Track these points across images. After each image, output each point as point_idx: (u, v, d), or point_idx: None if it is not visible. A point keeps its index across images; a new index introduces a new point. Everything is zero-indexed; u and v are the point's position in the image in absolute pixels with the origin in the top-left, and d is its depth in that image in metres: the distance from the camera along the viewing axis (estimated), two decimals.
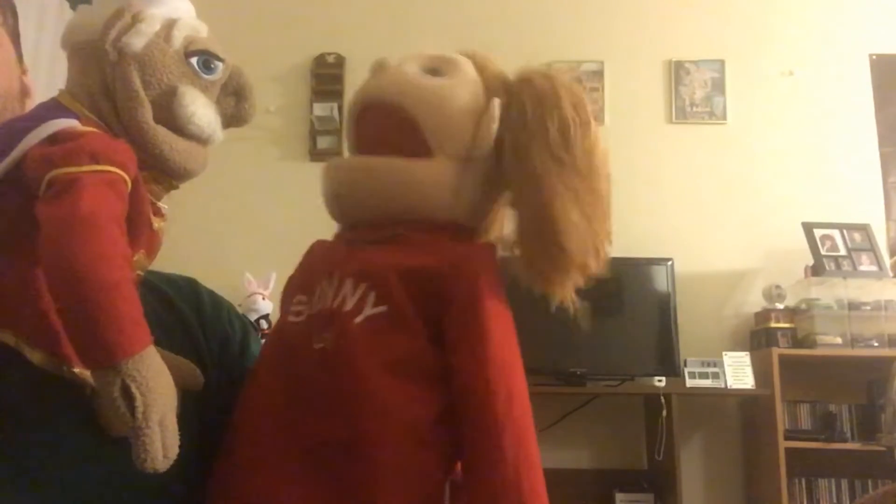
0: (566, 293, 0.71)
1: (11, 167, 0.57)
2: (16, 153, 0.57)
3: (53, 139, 0.58)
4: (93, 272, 0.53)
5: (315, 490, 0.63)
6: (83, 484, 0.62)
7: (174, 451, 0.55)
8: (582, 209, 0.70)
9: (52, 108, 0.62)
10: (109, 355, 0.53)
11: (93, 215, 0.54)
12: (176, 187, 0.67)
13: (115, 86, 0.62)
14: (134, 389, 0.53)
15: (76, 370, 0.60)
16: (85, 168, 0.56)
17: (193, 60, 0.65)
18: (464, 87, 0.74)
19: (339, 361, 0.66)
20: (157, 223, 0.65)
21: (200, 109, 0.64)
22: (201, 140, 0.66)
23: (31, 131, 0.58)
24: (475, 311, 0.66)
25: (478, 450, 0.64)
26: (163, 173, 0.65)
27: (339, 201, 0.75)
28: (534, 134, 0.71)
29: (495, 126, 0.73)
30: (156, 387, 0.54)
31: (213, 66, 0.66)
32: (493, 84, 0.75)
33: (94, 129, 0.61)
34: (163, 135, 0.63)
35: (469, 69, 0.76)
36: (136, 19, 0.62)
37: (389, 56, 0.78)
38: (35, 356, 0.59)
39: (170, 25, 0.64)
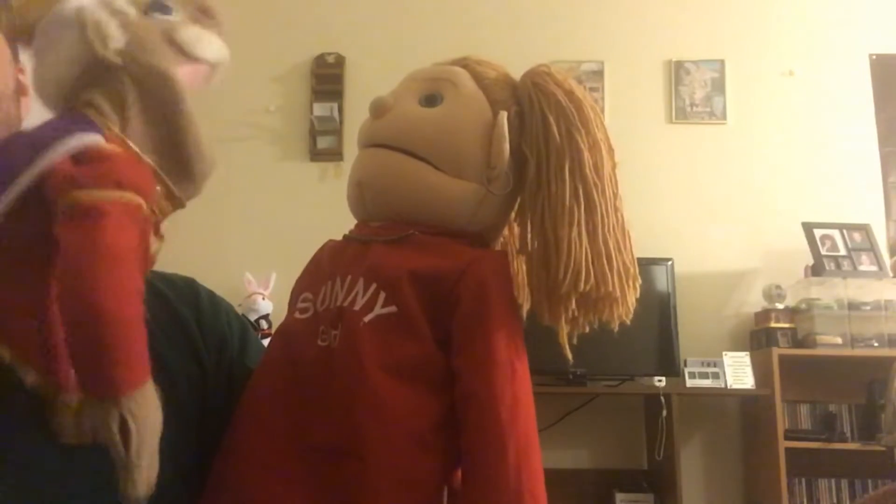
0: (557, 319, 0.71)
1: (33, 181, 0.57)
2: (39, 167, 0.56)
3: (79, 158, 0.57)
4: (113, 309, 0.53)
5: (312, 492, 0.63)
6: (79, 490, 0.62)
7: (154, 479, 0.56)
8: (604, 241, 0.69)
9: (76, 121, 0.61)
10: (115, 389, 0.54)
11: (116, 250, 0.55)
12: (183, 205, 0.67)
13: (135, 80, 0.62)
14: (131, 424, 0.54)
15: (65, 396, 0.59)
16: (109, 195, 0.56)
17: (154, 15, 0.65)
18: (467, 110, 0.73)
19: (343, 360, 0.65)
20: (154, 245, 0.64)
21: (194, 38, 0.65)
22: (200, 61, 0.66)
23: (54, 143, 0.57)
24: (482, 315, 0.66)
25: (479, 456, 0.63)
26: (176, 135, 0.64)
27: (360, 189, 0.74)
28: (563, 155, 0.70)
29: (506, 144, 0.72)
30: (150, 422, 0.55)
31: (166, 5, 0.66)
32: (498, 94, 0.74)
33: (119, 149, 0.60)
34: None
35: (467, 83, 0.74)
36: (99, 25, 0.61)
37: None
38: (29, 375, 0.59)
39: (109, 3, 0.63)
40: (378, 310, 0.66)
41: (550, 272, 0.69)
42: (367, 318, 0.66)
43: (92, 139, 0.59)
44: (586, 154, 0.70)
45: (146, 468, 0.55)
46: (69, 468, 0.62)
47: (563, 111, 0.71)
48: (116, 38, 0.61)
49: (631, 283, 0.70)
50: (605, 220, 0.70)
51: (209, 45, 0.66)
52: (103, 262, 0.54)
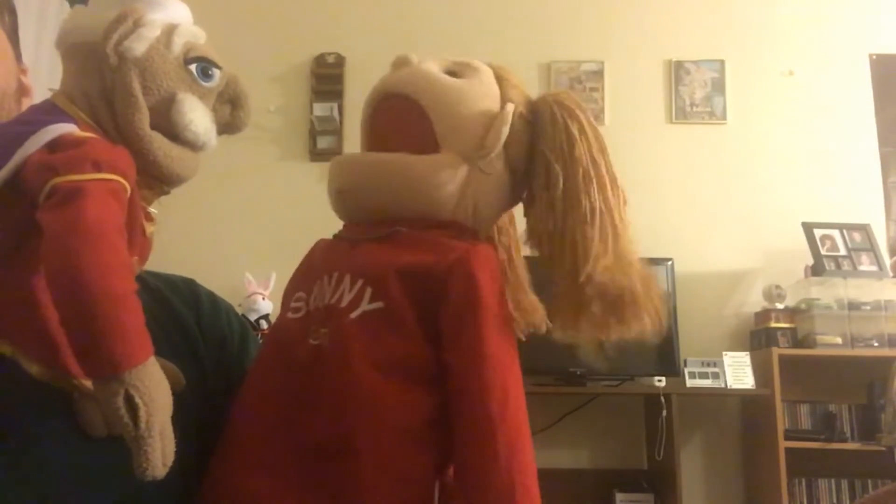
0: (567, 322, 0.73)
1: (11, 174, 0.57)
2: (16, 160, 0.57)
3: (54, 145, 0.57)
4: (100, 283, 0.53)
5: (305, 490, 0.63)
6: (80, 484, 0.62)
7: (171, 458, 0.55)
8: (625, 247, 0.72)
9: (49, 112, 0.61)
10: (114, 366, 0.53)
11: (98, 225, 0.54)
12: (167, 192, 0.67)
13: (113, 90, 0.62)
14: (137, 400, 0.53)
15: (75, 381, 0.60)
16: (88, 176, 0.56)
17: (192, 67, 0.64)
18: (480, 90, 0.75)
19: (332, 357, 0.66)
20: (148, 228, 0.65)
21: (198, 117, 0.64)
22: (195, 147, 0.65)
23: (29, 136, 0.57)
24: (471, 309, 0.66)
25: (471, 449, 0.64)
26: (154, 179, 0.64)
27: (341, 197, 0.76)
28: (578, 162, 0.72)
29: (506, 129, 0.73)
30: (157, 396, 0.54)
31: (211, 73, 0.65)
32: (512, 94, 0.76)
33: (94, 135, 0.60)
34: (158, 141, 0.62)
35: (488, 76, 0.77)
36: (137, 24, 0.61)
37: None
38: (33, 368, 0.59)
39: (170, 31, 0.64)
40: (365, 306, 0.66)
41: (572, 274, 0.70)
42: (353, 315, 0.66)
43: (66, 128, 0.59)
44: (604, 172, 0.73)
45: (159, 443, 0.54)
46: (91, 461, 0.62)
47: (584, 128, 0.74)
48: (130, 48, 0.61)
49: (652, 287, 0.73)
50: (622, 227, 0.72)
51: (195, 129, 0.64)
52: (86, 238, 0.53)
